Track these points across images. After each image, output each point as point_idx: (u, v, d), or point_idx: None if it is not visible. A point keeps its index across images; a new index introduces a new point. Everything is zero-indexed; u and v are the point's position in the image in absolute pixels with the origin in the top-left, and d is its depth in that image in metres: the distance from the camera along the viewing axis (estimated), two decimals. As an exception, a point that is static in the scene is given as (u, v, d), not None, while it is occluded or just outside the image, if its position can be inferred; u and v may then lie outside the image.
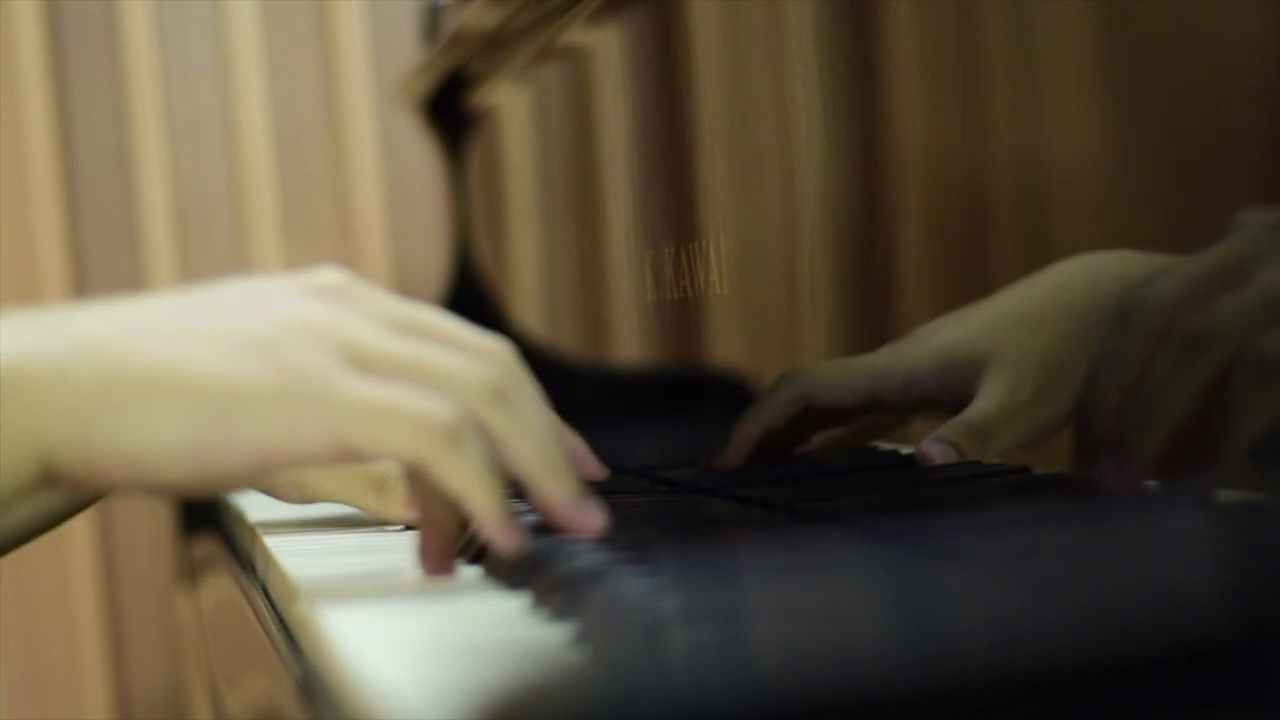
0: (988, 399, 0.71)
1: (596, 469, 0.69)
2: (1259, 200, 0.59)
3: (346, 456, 0.57)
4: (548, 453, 0.60)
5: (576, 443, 0.66)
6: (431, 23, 1.50)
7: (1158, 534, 0.50)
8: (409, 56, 1.63)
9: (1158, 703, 0.36)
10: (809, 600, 0.46)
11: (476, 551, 0.67)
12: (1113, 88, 0.67)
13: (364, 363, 0.58)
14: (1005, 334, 0.69)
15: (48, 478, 0.56)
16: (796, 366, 0.86)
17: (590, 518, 0.60)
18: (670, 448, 1.03)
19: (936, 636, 0.38)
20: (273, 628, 0.70)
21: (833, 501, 0.69)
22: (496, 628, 0.54)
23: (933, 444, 0.71)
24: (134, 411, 0.55)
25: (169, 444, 0.56)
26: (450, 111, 1.49)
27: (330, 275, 0.61)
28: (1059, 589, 0.42)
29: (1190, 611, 0.37)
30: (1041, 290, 0.68)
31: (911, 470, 0.75)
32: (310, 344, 0.57)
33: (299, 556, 0.73)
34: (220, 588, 0.99)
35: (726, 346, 0.96)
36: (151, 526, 1.82)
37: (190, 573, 1.33)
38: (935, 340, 0.74)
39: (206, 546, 1.14)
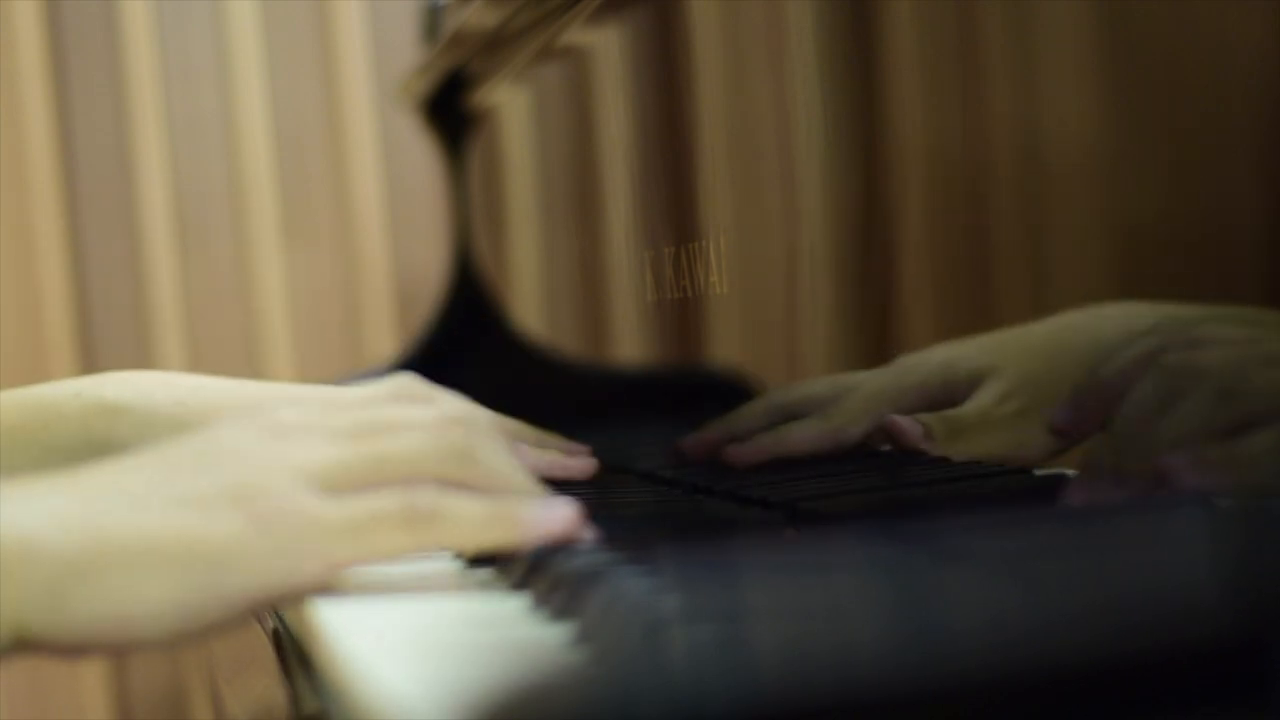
0: (973, 401, 0.72)
1: (580, 467, 0.71)
2: (1260, 200, 0.59)
3: (340, 575, 0.59)
4: (529, 487, 0.63)
5: (553, 455, 0.68)
6: (431, 23, 1.50)
7: (1158, 534, 0.50)
8: (409, 56, 1.63)
9: (1158, 703, 0.36)
10: (809, 600, 0.46)
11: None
12: (1113, 87, 0.67)
13: (331, 483, 0.59)
14: (1006, 355, 0.70)
15: (23, 646, 0.56)
16: (796, 367, 0.86)
17: (556, 514, 0.61)
18: (670, 448, 1.03)
19: (936, 637, 0.38)
20: (273, 628, 0.70)
21: (833, 501, 0.69)
22: (496, 628, 0.54)
23: (905, 418, 0.72)
24: (111, 579, 0.56)
25: (153, 606, 0.56)
26: (450, 111, 1.49)
27: (278, 410, 0.62)
28: (1059, 589, 0.42)
29: (1190, 612, 0.37)
30: (1047, 327, 0.69)
31: (911, 470, 0.75)
32: (275, 484, 0.58)
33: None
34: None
35: (726, 346, 0.96)
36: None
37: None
38: (936, 356, 0.75)
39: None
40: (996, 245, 0.73)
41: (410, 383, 0.66)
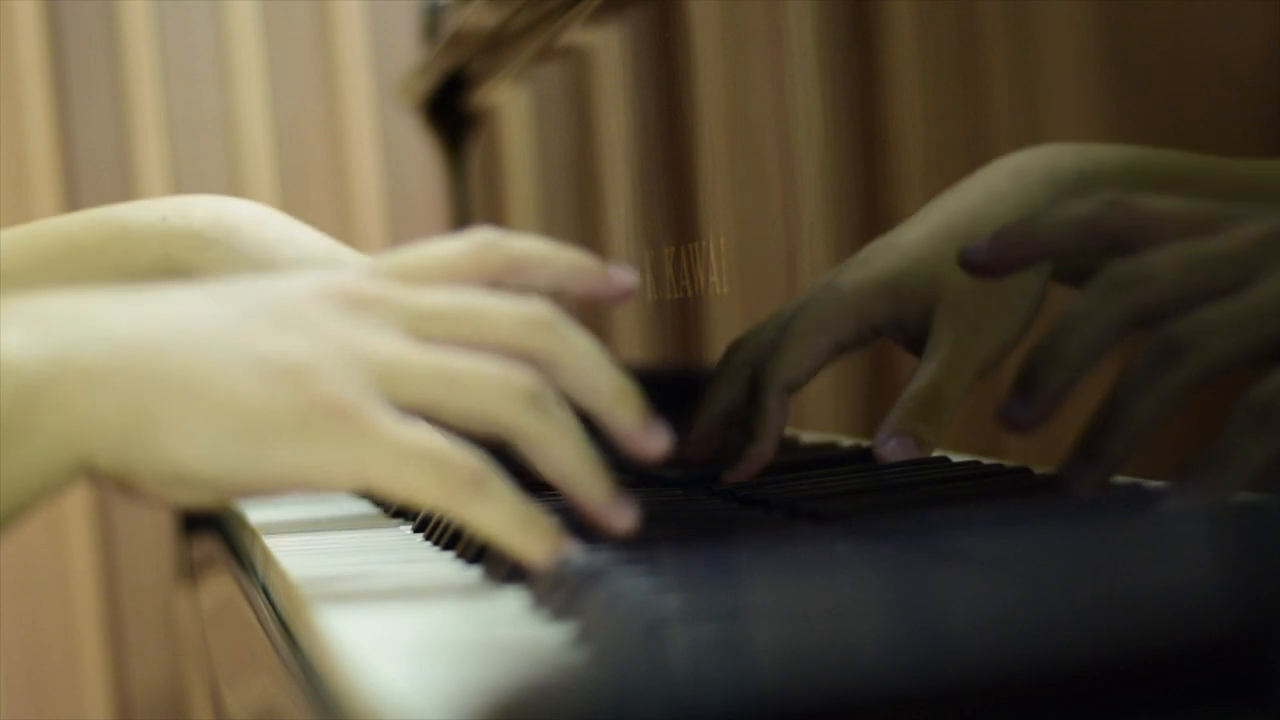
0: (932, 362, 0.69)
1: (658, 445, 0.65)
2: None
3: (372, 491, 0.59)
4: (582, 454, 0.60)
5: (641, 411, 0.64)
6: (431, 23, 1.50)
7: (1158, 534, 0.50)
8: (409, 56, 1.63)
9: (1158, 703, 0.36)
10: (809, 600, 0.46)
11: (476, 551, 0.67)
12: (1114, 88, 0.67)
13: (396, 384, 0.58)
14: (943, 263, 0.68)
15: (88, 475, 0.57)
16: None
17: (621, 517, 0.60)
18: (670, 448, 1.03)
19: (936, 636, 0.38)
20: (273, 628, 0.70)
21: (833, 501, 0.69)
22: (496, 628, 0.54)
23: (888, 440, 0.70)
24: (170, 430, 0.56)
25: (203, 464, 0.56)
26: (450, 111, 1.49)
27: (358, 278, 0.60)
28: (1059, 589, 0.42)
29: (1190, 611, 0.37)
30: (970, 205, 0.68)
31: (911, 470, 0.74)
32: (342, 373, 0.57)
33: (299, 556, 0.73)
34: (220, 588, 0.99)
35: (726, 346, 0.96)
36: (151, 526, 1.82)
37: (190, 573, 1.33)
38: (877, 273, 0.72)
39: (206, 546, 1.14)
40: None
41: (493, 242, 0.63)
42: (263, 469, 0.57)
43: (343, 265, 0.79)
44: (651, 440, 0.61)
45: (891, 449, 0.69)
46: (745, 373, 0.77)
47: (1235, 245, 0.55)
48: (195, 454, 0.56)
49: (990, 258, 0.61)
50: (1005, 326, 0.67)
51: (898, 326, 0.72)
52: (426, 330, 0.60)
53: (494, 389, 0.59)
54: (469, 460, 0.57)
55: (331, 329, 0.58)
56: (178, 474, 0.56)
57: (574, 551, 0.58)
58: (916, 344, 0.71)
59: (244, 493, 0.58)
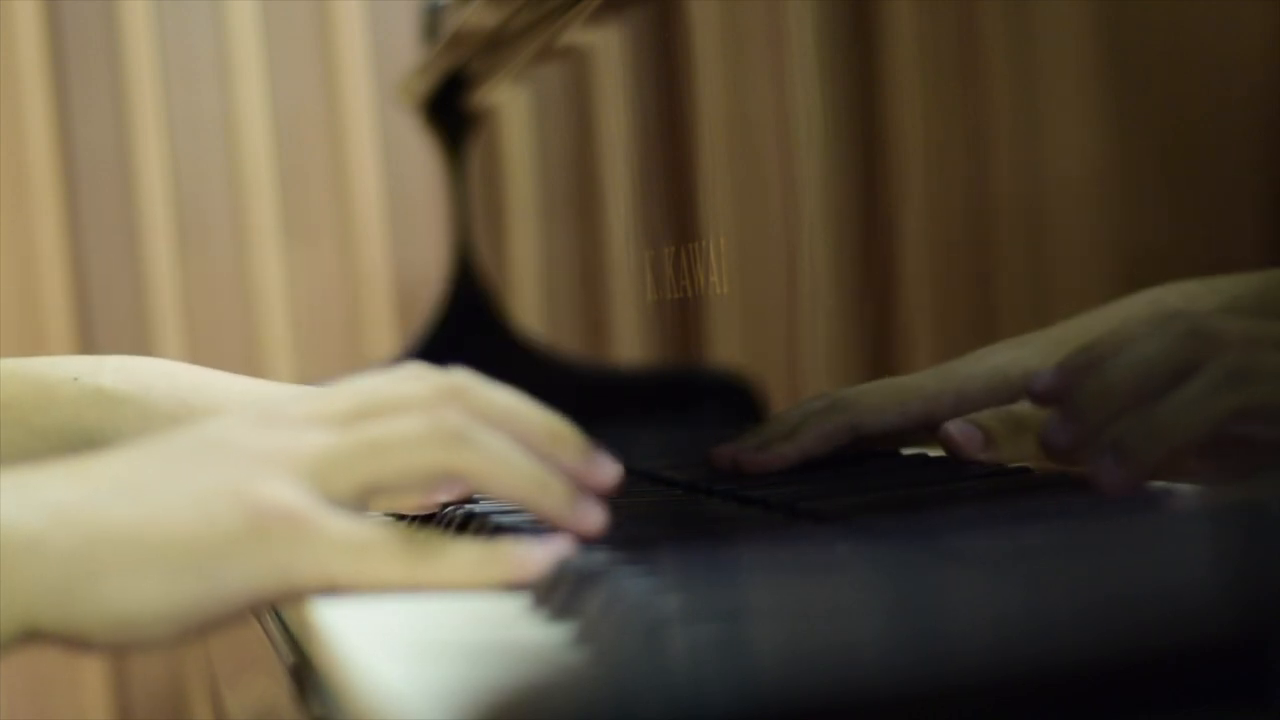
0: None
1: (606, 475, 0.65)
2: (1261, 202, 0.59)
3: (334, 590, 0.58)
4: (524, 473, 0.60)
5: (582, 447, 0.64)
6: (431, 23, 1.50)
7: (1158, 534, 0.50)
8: (409, 56, 1.63)
9: (1158, 703, 0.36)
10: (809, 600, 0.46)
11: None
12: (1114, 88, 0.67)
13: (329, 475, 0.58)
14: (1060, 354, 0.68)
15: (32, 639, 0.57)
16: (796, 368, 0.85)
17: (587, 519, 0.60)
18: (670, 448, 1.03)
19: (936, 636, 0.38)
20: (273, 628, 0.70)
21: (833, 501, 0.69)
22: (496, 628, 0.54)
23: (959, 424, 0.70)
24: (113, 579, 0.56)
25: (153, 607, 0.56)
26: (450, 111, 1.49)
27: (273, 403, 0.62)
28: (1059, 589, 0.42)
29: (1190, 611, 0.37)
30: (1103, 320, 0.66)
31: (911, 470, 0.74)
32: (275, 478, 0.58)
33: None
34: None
35: (726, 346, 0.96)
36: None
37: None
38: (989, 361, 0.72)
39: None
40: (997, 246, 0.73)
41: (415, 369, 0.64)
42: (218, 596, 0.56)
43: (260, 401, 0.79)
44: (582, 521, 0.61)
45: (958, 429, 0.69)
46: (844, 439, 0.77)
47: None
48: (143, 597, 0.56)
49: (1059, 381, 0.61)
50: None
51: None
52: (346, 424, 0.60)
53: (420, 443, 0.59)
54: (415, 534, 0.59)
55: (255, 447, 0.59)
56: (127, 621, 0.56)
57: (552, 557, 0.58)
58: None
59: (206, 624, 0.57)
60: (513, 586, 0.58)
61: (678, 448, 1.01)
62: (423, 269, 1.76)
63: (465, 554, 0.58)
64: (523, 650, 0.49)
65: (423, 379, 0.62)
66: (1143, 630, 0.37)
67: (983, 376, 0.72)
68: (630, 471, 0.90)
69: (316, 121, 1.88)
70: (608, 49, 1.11)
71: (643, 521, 0.71)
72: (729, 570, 0.54)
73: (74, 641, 0.57)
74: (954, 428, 0.70)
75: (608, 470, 0.62)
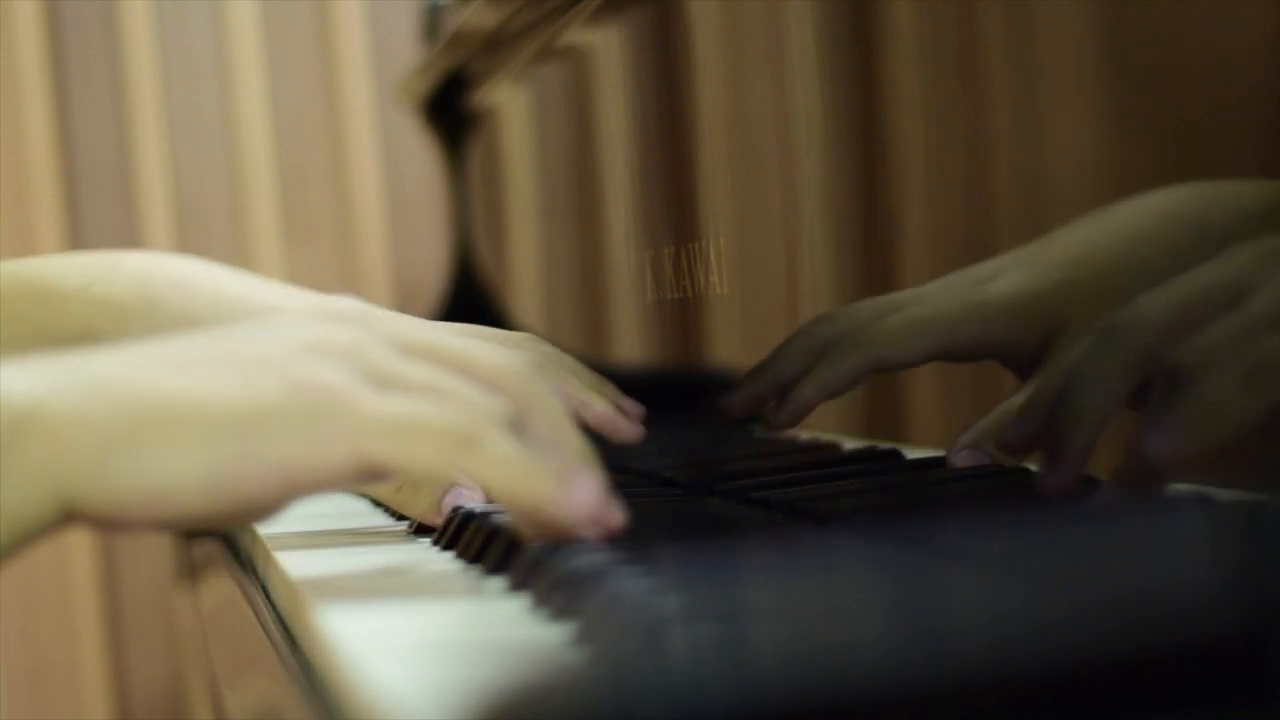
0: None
1: (630, 430, 0.65)
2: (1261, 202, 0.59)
3: (370, 472, 0.57)
4: (565, 466, 0.59)
5: (605, 408, 0.63)
6: (431, 23, 1.50)
7: (1158, 534, 0.50)
8: (409, 56, 1.63)
9: (1158, 703, 0.36)
10: (809, 600, 0.46)
11: (476, 551, 0.67)
12: (1114, 88, 0.67)
13: (379, 381, 0.57)
14: (1075, 293, 0.64)
15: (70, 515, 0.56)
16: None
17: (610, 518, 0.60)
18: (670, 448, 1.03)
19: (936, 636, 0.38)
20: (273, 628, 0.70)
21: (833, 501, 0.69)
22: (496, 628, 0.54)
23: (963, 451, 0.67)
24: (151, 447, 0.55)
25: (189, 476, 0.55)
26: (450, 111, 1.49)
27: (345, 303, 0.61)
28: (1059, 589, 0.42)
29: (1190, 611, 0.37)
30: (1116, 233, 0.63)
31: (911, 470, 0.74)
32: (325, 362, 0.57)
33: (299, 556, 0.73)
34: (220, 588, 0.99)
35: (726, 346, 0.96)
36: (151, 526, 1.82)
37: (190, 573, 1.33)
38: (1007, 284, 0.68)
39: (206, 546, 1.14)
40: (997, 246, 0.73)
41: (524, 341, 0.62)
42: (251, 467, 0.55)
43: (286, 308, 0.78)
44: (592, 495, 0.59)
45: (965, 458, 0.68)
46: (867, 375, 0.72)
47: (1225, 271, 0.55)
48: (180, 465, 0.55)
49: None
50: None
51: (1012, 347, 0.68)
52: (409, 357, 0.59)
53: (475, 405, 0.58)
54: (461, 417, 0.57)
55: (313, 331, 0.58)
56: (164, 490, 0.55)
57: (597, 495, 0.58)
58: (1024, 368, 0.68)
59: (237, 501, 0.56)
60: (541, 506, 0.58)
61: (678, 448, 1.01)
62: (423, 269, 1.76)
63: (504, 456, 0.57)
64: (523, 650, 0.49)
65: (494, 356, 0.61)
66: (1143, 630, 0.37)
67: (1005, 304, 0.68)
68: (630, 471, 0.91)
69: (316, 121, 1.88)
70: (608, 49, 1.11)
71: (643, 521, 0.71)
72: (729, 570, 0.54)
73: (111, 517, 0.55)
74: (960, 458, 0.68)
75: (616, 517, 0.60)
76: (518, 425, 0.59)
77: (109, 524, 0.56)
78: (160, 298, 0.79)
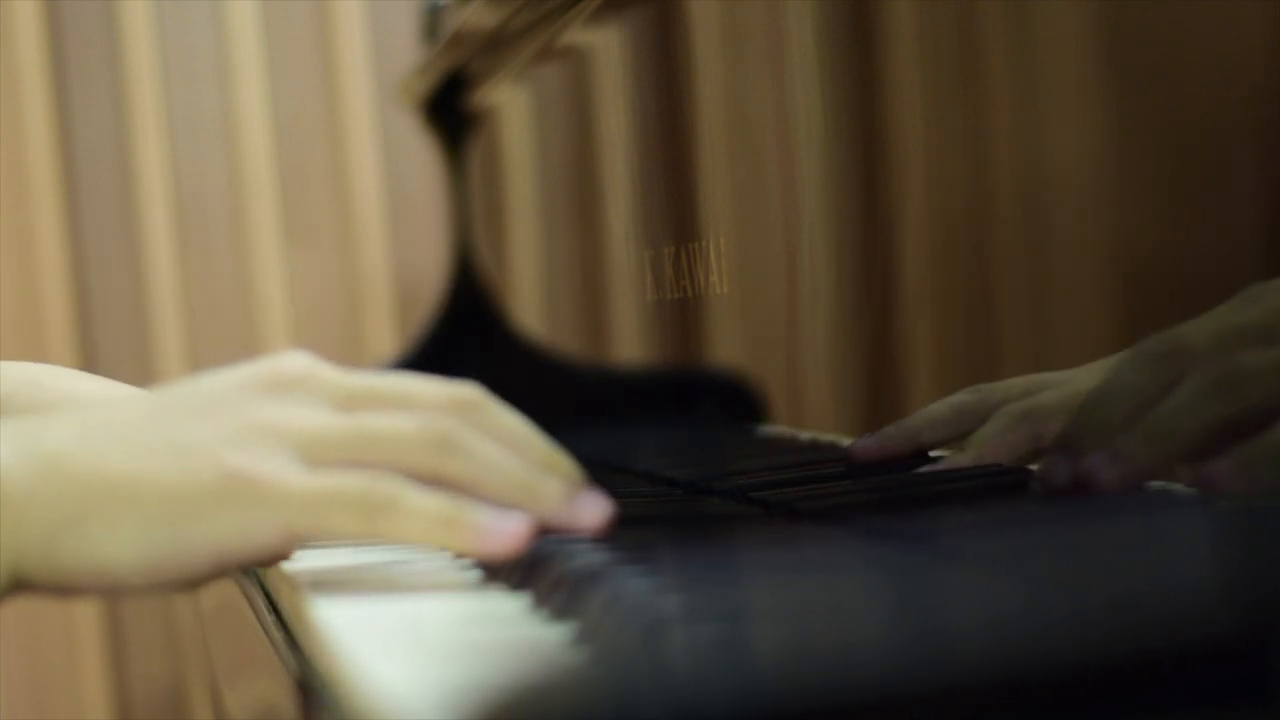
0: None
1: (594, 514, 0.64)
2: (1261, 205, 0.59)
3: (298, 544, 0.61)
4: (517, 478, 0.61)
5: (575, 479, 0.64)
6: (431, 23, 1.50)
7: (1158, 534, 0.50)
8: (409, 56, 1.63)
9: (1158, 703, 0.36)
10: (809, 600, 0.46)
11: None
12: (1114, 88, 0.67)
13: (312, 451, 0.60)
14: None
15: (18, 586, 0.59)
16: (796, 367, 0.85)
17: (588, 514, 0.61)
18: (670, 448, 1.03)
19: (936, 636, 0.38)
20: (273, 628, 0.70)
21: (833, 501, 0.69)
22: (496, 628, 0.54)
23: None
24: (95, 526, 0.58)
25: (129, 555, 0.59)
26: (450, 111, 1.49)
27: (286, 363, 0.63)
28: (1059, 589, 0.42)
29: (1190, 611, 0.37)
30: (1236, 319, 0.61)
31: (911, 470, 0.74)
32: (255, 444, 0.60)
33: (299, 556, 0.73)
34: (220, 588, 0.99)
35: (726, 346, 0.96)
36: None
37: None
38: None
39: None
40: (997, 246, 0.73)
41: (475, 403, 0.63)
42: (186, 547, 0.59)
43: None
44: (583, 516, 0.61)
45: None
46: (975, 422, 0.72)
47: (1261, 312, 0.56)
48: (120, 545, 0.58)
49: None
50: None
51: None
52: (348, 408, 0.62)
53: (410, 442, 0.61)
54: (376, 486, 0.59)
55: (252, 410, 0.61)
56: (105, 568, 0.59)
57: (512, 538, 0.59)
58: None
59: (172, 577, 0.60)
60: (466, 555, 0.61)
61: (678, 448, 1.01)
62: (423, 269, 1.76)
63: (425, 512, 0.59)
64: (523, 650, 0.49)
65: (436, 385, 0.63)
66: (1143, 630, 0.37)
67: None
68: (630, 471, 0.91)
69: (316, 121, 1.88)
70: (608, 49, 1.11)
71: (643, 521, 0.71)
72: (729, 570, 0.54)
73: (55, 587, 0.59)
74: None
75: (596, 508, 0.62)
76: (451, 446, 0.60)
77: (53, 593, 0.60)
78: (9, 393, 0.80)
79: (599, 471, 0.76)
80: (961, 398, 0.73)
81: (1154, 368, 0.58)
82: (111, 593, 0.60)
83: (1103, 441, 0.58)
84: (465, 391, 0.63)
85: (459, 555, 0.62)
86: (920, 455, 0.74)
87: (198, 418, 0.61)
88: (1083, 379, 0.67)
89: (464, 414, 0.62)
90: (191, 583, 0.61)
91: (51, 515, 0.58)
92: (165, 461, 0.59)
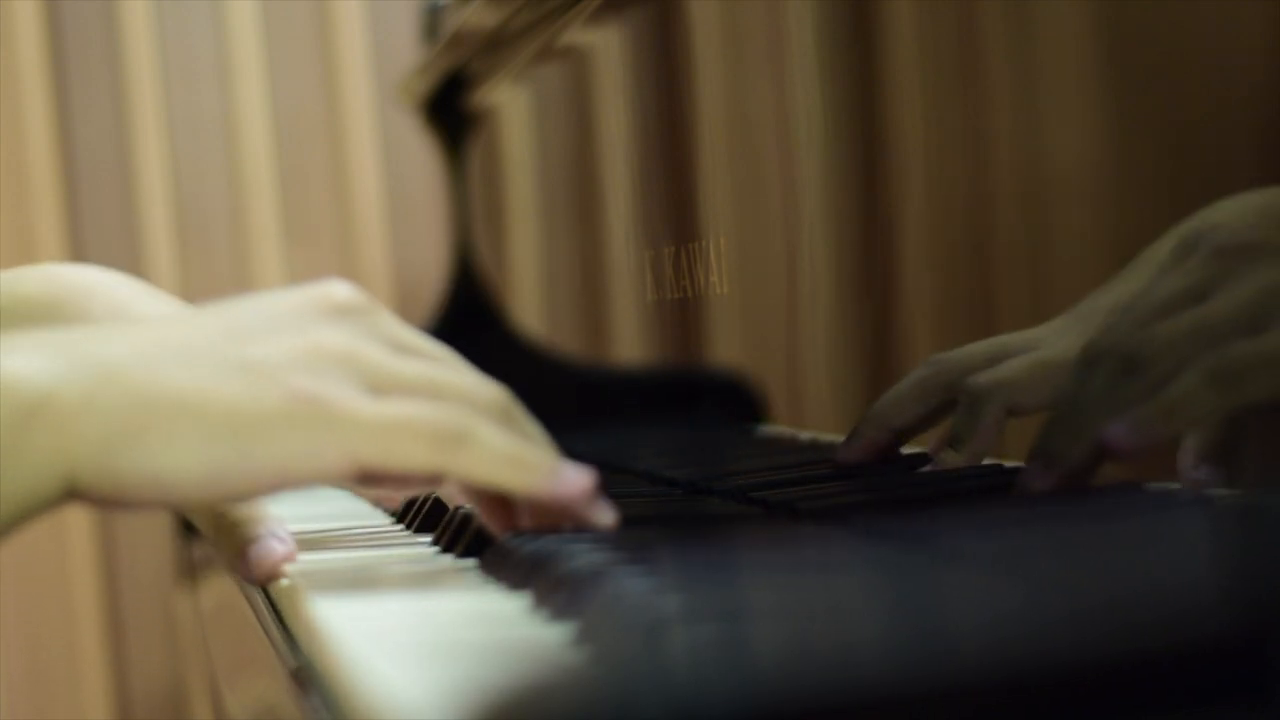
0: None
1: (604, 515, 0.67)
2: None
3: (364, 473, 0.60)
4: (555, 459, 0.62)
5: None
6: (431, 23, 1.50)
7: (1158, 534, 0.50)
8: (409, 56, 1.63)
9: (1158, 703, 0.36)
10: (809, 600, 0.46)
11: (475, 548, 0.67)
12: (1114, 88, 0.67)
13: (375, 384, 0.60)
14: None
15: (73, 494, 0.58)
16: (796, 367, 0.85)
17: (579, 480, 0.62)
18: (670, 448, 1.03)
19: (936, 636, 0.38)
20: (273, 628, 0.70)
21: (833, 501, 0.69)
22: (496, 628, 0.54)
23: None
24: (156, 438, 0.58)
25: (190, 468, 0.58)
26: (450, 111, 1.49)
27: (342, 292, 0.63)
28: (1059, 589, 0.42)
29: (1190, 611, 0.37)
30: (1138, 284, 0.62)
31: (911, 470, 0.74)
32: (323, 369, 0.60)
33: (299, 557, 0.73)
34: (220, 588, 0.99)
35: (726, 346, 0.96)
36: (151, 527, 1.82)
37: (190, 573, 1.33)
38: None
39: (207, 546, 1.15)
40: (997, 245, 0.73)
41: (506, 405, 0.65)
42: (249, 466, 0.58)
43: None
44: (579, 480, 0.62)
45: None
46: (941, 394, 0.72)
47: (1187, 279, 0.56)
48: (180, 458, 0.58)
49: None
50: None
51: None
52: (406, 350, 0.62)
53: (469, 398, 0.61)
54: (450, 417, 0.60)
55: (314, 334, 0.61)
56: (165, 480, 0.58)
57: (583, 485, 0.61)
58: None
59: (233, 493, 0.60)
60: (534, 495, 0.61)
61: (678, 448, 1.01)
62: (423, 269, 1.76)
63: (498, 449, 0.60)
64: (523, 650, 0.49)
65: (475, 375, 0.64)
66: (1142, 630, 0.37)
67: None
68: (630, 471, 0.91)
69: (316, 121, 1.88)
70: (608, 49, 1.11)
71: (643, 521, 0.71)
72: (729, 570, 0.54)
73: (111, 499, 0.58)
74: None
75: (607, 515, 0.63)
76: (509, 416, 0.62)
77: (109, 504, 0.59)
78: (61, 300, 0.79)
79: (599, 472, 0.76)
80: (921, 373, 0.72)
81: (1198, 269, 0.57)
82: (168, 505, 0.60)
83: (1082, 441, 0.58)
84: (497, 393, 0.63)
85: (525, 495, 0.62)
86: (898, 445, 0.74)
87: (260, 338, 0.60)
88: (1046, 338, 0.68)
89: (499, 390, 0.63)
90: (248, 498, 0.61)
91: (109, 425, 0.57)
92: (230, 380, 0.59)
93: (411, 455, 0.59)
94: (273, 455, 0.58)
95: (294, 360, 0.59)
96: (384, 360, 0.61)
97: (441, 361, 0.63)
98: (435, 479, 0.63)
